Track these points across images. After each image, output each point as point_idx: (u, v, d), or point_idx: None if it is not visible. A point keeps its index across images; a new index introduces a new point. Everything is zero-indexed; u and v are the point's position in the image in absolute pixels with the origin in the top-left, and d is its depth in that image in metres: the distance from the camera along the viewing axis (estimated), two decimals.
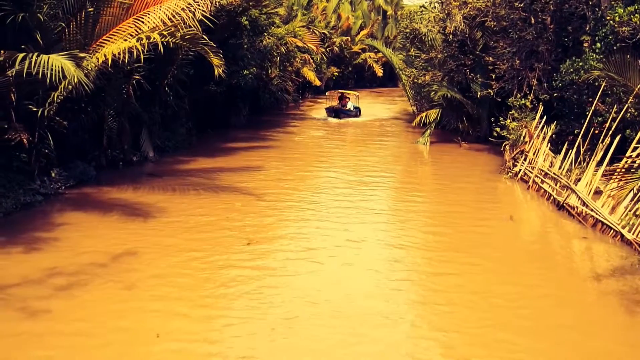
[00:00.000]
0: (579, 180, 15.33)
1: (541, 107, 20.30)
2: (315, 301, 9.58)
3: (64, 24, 14.88)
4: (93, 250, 11.34)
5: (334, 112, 36.54)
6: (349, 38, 62.17)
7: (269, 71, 33.65)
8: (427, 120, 27.43)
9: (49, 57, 12.06)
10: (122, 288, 9.74)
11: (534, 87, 21.74)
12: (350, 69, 63.75)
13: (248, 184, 17.33)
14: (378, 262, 11.55)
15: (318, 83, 48.25)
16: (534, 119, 20.18)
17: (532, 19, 21.61)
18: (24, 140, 14.20)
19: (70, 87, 14.07)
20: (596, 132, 16.74)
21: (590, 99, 17.87)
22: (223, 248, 11.90)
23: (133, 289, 9.73)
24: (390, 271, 11.04)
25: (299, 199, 16.40)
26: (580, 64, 18.08)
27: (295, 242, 12.62)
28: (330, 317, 9.01)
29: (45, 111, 14.47)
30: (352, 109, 37.38)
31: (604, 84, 16.57)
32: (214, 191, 16.32)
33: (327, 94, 42.85)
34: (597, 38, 18.20)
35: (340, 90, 41.54)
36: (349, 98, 38.44)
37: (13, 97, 13.96)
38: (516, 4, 21.66)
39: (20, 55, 12.17)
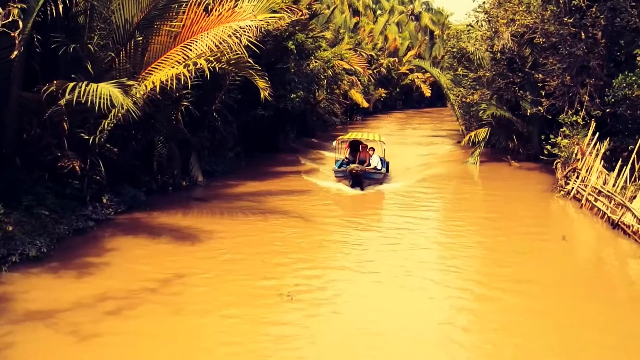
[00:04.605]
0: (635, 197, 14.84)
1: (593, 124, 19.83)
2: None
3: (113, 54, 15.23)
4: (142, 275, 11.46)
5: (352, 176, 20.39)
6: (396, 59, 62.34)
7: (317, 94, 33.85)
8: (477, 139, 27.14)
9: (97, 86, 12.34)
10: (170, 313, 9.80)
11: (585, 103, 21.26)
12: (398, 89, 63.91)
13: (297, 208, 17.35)
14: (430, 288, 11.38)
15: (366, 105, 48.40)
16: (586, 135, 19.71)
17: (583, 34, 21.17)
18: (76, 167, 14.53)
19: (120, 114, 14.37)
20: None
21: None
22: (270, 272, 11.90)
23: (181, 314, 9.78)
24: (444, 297, 10.90)
25: (348, 223, 16.27)
26: (634, 78, 17.57)
27: (344, 278, 12.52)
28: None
29: (97, 139, 14.77)
30: (377, 166, 21.86)
31: None
32: (263, 215, 16.35)
33: (333, 143, 26.02)
34: None
35: (353, 136, 24.65)
36: (372, 149, 22.45)
37: (65, 126, 14.33)
38: (565, 19, 21.26)
39: (70, 85, 12.49)
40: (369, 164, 21.57)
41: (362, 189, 20.37)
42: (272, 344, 8.82)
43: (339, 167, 22.67)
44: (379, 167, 21.93)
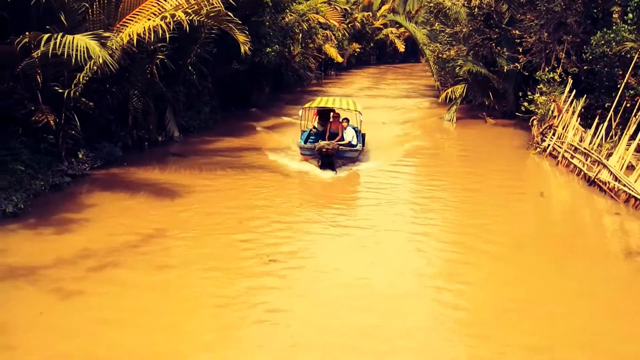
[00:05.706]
0: (611, 155, 15.05)
1: (570, 81, 19.92)
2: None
3: (87, 4, 14.76)
4: (123, 230, 11.37)
5: (322, 156, 16.43)
6: (371, 13, 61.54)
7: (291, 48, 33.40)
8: (453, 96, 27.13)
9: (73, 37, 11.99)
10: (153, 268, 9.76)
11: (562, 61, 21.31)
12: (371, 45, 63.26)
13: (274, 164, 17.35)
14: (412, 243, 11.48)
15: (340, 59, 48.02)
16: (563, 92, 19.81)
17: None
18: (51, 121, 14.23)
19: (95, 67, 14.04)
20: (628, 105, 16.43)
21: (622, 72, 17.51)
22: (250, 227, 11.89)
23: (164, 269, 9.75)
24: (425, 252, 10.97)
25: (326, 178, 16.25)
26: (612, 35, 17.59)
27: (321, 232, 12.54)
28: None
29: (71, 92, 14.42)
30: (352, 141, 17.71)
31: (636, 56, 16.18)
32: (241, 170, 16.27)
33: (300, 112, 19.77)
34: (628, 8, 17.70)
35: (323, 102, 19.65)
36: (347, 119, 18.15)
37: (39, 79, 13.92)
38: None
39: (45, 36, 12.11)
40: (342, 139, 17.62)
41: (333, 170, 16.47)
42: (258, 296, 8.84)
43: (305, 141, 18.44)
44: (354, 142, 17.75)
